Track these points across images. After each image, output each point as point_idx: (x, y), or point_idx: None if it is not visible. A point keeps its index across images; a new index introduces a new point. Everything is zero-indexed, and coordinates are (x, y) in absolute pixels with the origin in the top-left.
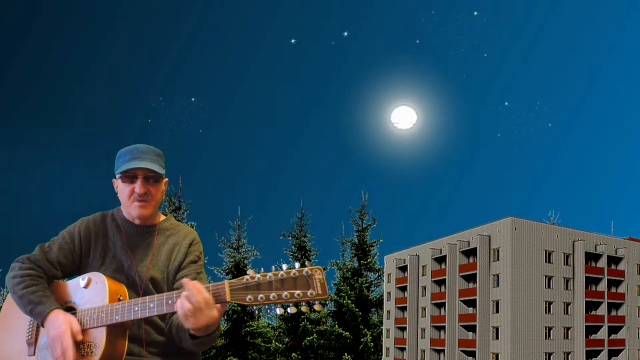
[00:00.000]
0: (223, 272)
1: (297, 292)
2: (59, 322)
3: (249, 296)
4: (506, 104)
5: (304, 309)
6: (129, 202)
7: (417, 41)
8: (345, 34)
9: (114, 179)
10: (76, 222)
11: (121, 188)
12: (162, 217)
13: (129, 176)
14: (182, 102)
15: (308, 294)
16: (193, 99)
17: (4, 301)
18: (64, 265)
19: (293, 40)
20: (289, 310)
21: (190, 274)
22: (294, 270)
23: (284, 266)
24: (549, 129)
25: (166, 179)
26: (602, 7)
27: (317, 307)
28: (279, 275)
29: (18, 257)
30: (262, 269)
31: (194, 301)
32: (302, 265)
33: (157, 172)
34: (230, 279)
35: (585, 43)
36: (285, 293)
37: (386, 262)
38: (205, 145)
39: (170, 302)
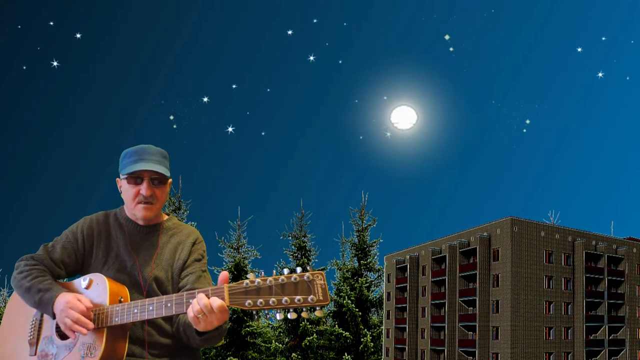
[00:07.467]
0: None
1: (298, 297)
2: (66, 298)
3: (249, 301)
4: (506, 104)
5: (304, 314)
6: (133, 203)
7: (418, 41)
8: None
9: (117, 179)
10: (79, 221)
11: (126, 189)
12: (165, 217)
13: (135, 177)
14: (182, 102)
15: (309, 299)
16: (206, 99)
17: (4, 302)
18: (67, 265)
19: (290, 32)
20: (289, 315)
21: (195, 272)
22: (295, 275)
23: (285, 270)
24: (550, 129)
25: (170, 180)
26: (602, 6)
27: (318, 313)
28: (280, 280)
29: (22, 256)
30: (262, 272)
31: (207, 311)
32: (304, 269)
33: (163, 175)
34: (230, 280)
35: (585, 43)
36: (286, 298)
37: (386, 263)
38: (205, 145)
39: (169, 304)
